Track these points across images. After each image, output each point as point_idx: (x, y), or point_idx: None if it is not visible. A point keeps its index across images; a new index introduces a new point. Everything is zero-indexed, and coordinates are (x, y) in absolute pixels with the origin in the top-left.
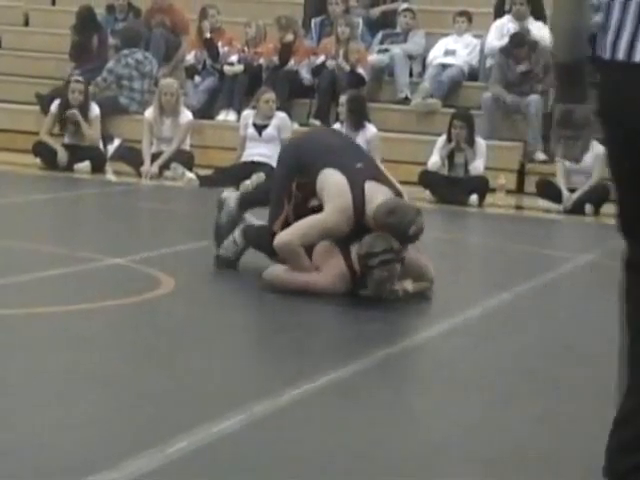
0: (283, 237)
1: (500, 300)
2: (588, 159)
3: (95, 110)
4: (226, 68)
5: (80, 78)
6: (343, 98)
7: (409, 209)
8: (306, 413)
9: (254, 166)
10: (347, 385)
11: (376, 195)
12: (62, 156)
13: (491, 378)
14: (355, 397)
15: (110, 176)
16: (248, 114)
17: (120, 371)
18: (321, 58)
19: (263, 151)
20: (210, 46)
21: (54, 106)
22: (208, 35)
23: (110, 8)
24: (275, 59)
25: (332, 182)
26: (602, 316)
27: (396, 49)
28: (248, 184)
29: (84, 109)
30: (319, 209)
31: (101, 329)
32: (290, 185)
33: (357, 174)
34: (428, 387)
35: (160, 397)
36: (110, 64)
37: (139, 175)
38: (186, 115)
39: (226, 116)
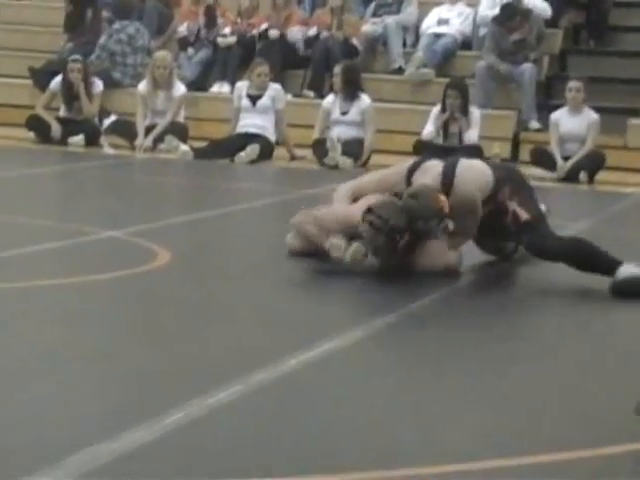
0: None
1: (496, 268)
2: (582, 126)
3: (99, 86)
4: (219, 40)
5: (78, 57)
6: (337, 69)
7: (431, 207)
8: (304, 383)
9: (248, 138)
10: (346, 354)
11: (426, 175)
12: (56, 130)
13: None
14: (355, 365)
15: (107, 149)
16: (242, 85)
17: (117, 343)
18: (314, 29)
19: (257, 122)
20: (209, 14)
21: (55, 83)
22: (211, 1)
23: None
24: (271, 31)
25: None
26: (599, 283)
27: (389, 19)
28: (243, 156)
29: (87, 86)
30: None
31: (97, 302)
32: None
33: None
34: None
35: (157, 369)
36: (102, 40)
37: (133, 148)
38: (180, 88)
39: (220, 88)
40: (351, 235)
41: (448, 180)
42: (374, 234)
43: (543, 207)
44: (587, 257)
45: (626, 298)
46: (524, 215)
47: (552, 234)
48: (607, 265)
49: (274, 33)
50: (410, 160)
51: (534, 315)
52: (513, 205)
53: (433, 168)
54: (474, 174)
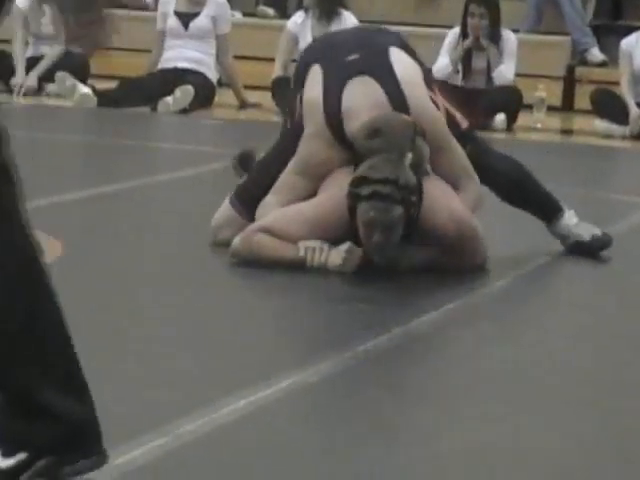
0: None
1: (538, 265)
2: None
3: None
4: None
5: None
6: None
7: (404, 133)
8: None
9: (178, 76)
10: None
11: (359, 103)
12: None
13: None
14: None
15: None
16: None
17: None
18: None
19: (191, 53)
20: None
21: None
22: None
23: None
24: None
25: (307, 88)
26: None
27: None
28: (169, 102)
29: None
30: None
31: None
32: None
33: (341, 70)
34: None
35: None
36: None
37: (9, 91)
38: None
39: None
40: (328, 240)
41: (399, 99)
42: (385, 208)
43: None
44: (528, 190)
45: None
46: (464, 121)
47: (494, 149)
48: (549, 207)
49: None
50: None
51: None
52: (445, 104)
53: (365, 89)
54: (414, 74)
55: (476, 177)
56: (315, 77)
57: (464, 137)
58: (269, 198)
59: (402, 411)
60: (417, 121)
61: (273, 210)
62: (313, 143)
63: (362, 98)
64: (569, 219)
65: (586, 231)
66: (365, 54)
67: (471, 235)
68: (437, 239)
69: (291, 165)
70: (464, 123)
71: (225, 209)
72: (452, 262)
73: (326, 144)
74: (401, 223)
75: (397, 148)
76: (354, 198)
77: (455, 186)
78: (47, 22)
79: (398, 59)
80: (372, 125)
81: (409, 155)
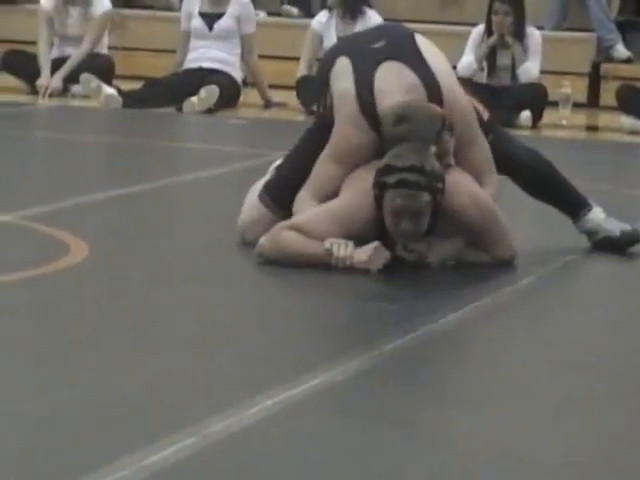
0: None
1: (565, 262)
2: None
3: None
4: None
5: None
6: None
7: (432, 120)
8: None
9: (203, 76)
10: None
11: (392, 85)
12: None
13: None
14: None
15: None
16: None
17: (18, 378)
18: None
19: (216, 53)
20: None
21: None
22: None
23: None
24: None
25: (336, 80)
26: None
27: None
28: (195, 102)
29: None
30: None
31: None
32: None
33: (369, 57)
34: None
35: (77, 417)
36: None
37: (34, 92)
38: (102, 2)
39: (159, 1)
40: (355, 239)
41: (434, 87)
42: (412, 195)
43: None
44: (554, 184)
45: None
46: (485, 112)
47: (517, 140)
48: (576, 202)
49: None
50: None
51: None
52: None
53: (397, 73)
54: (444, 62)
55: (495, 172)
56: (344, 68)
57: (486, 126)
58: (304, 191)
59: (430, 410)
60: (449, 112)
61: (310, 203)
62: (346, 129)
63: (395, 81)
64: (597, 214)
65: (616, 226)
66: (391, 41)
67: (492, 218)
68: (460, 225)
69: (324, 155)
70: (485, 114)
71: (253, 207)
72: (479, 254)
73: (359, 130)
74: (429, 210)
75: (421, 139)
76: (381, 187)
77: (478, 179)
78: (73, 23)
79: (425, 46)
80: (401, 111)
81: (432, 148)
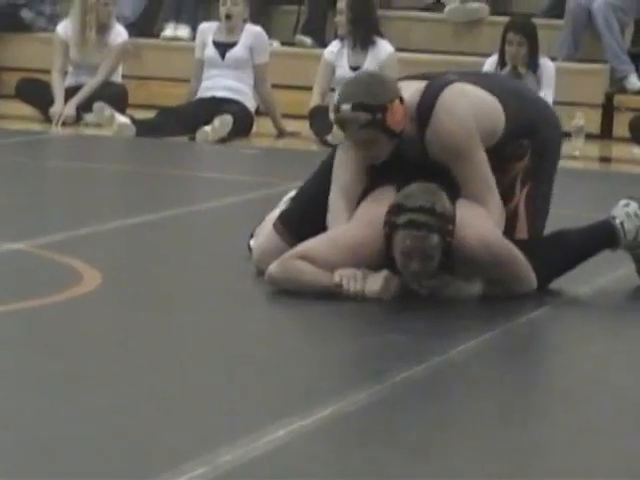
0: None
1: (578, 294)
2: None
3: None
4: None
5: None
6: (342, 3)
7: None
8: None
9: (216, 105)
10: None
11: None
12: None
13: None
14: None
15: None
16: (207, 28)
17: (26, 406)
18: None
19: (229, 82)
20: None
21: None
22: None
23: None
24: None
25: None
26: None
27: None
28: (208, 131)
29: None
30: None
31: (11, 338)
32: None
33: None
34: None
35: (88, 447)
36: None
37: (48, 120)
38: (118, 32)
39: (174, 31)
40: (366, 267)
41: (427, 104)
42: (421, 236)
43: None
44: (582, 250)
45: None
46: (522, 230)
47: (535, 250)
48: (603, 238)
49: None
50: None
51: None
52: (521, 196)
53: (411, 86)
54: (470, 98)
55: (497, 192)
56: None
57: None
58: (335, 203)
59: (440, 441)
60: (435, 129)
61: (344, 214)
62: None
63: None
64: (629, 223)
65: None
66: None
67: (504, 256)
68: (474, 267)
69: (340, 165)
70: (521, 232)
71: (268, 238)
72: (499, 291)
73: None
74: (439, 251)
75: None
76: (391, 227)
77: (478, 200)
78: (90, 51)
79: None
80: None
81: (444, 194)
